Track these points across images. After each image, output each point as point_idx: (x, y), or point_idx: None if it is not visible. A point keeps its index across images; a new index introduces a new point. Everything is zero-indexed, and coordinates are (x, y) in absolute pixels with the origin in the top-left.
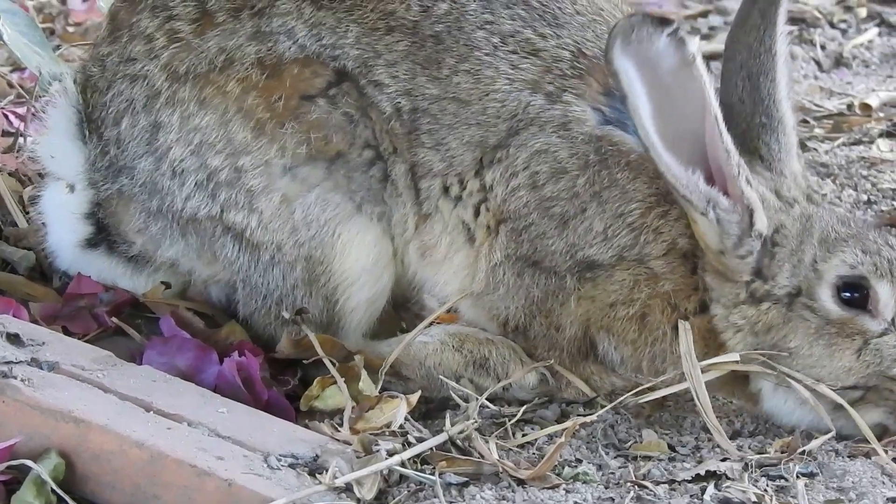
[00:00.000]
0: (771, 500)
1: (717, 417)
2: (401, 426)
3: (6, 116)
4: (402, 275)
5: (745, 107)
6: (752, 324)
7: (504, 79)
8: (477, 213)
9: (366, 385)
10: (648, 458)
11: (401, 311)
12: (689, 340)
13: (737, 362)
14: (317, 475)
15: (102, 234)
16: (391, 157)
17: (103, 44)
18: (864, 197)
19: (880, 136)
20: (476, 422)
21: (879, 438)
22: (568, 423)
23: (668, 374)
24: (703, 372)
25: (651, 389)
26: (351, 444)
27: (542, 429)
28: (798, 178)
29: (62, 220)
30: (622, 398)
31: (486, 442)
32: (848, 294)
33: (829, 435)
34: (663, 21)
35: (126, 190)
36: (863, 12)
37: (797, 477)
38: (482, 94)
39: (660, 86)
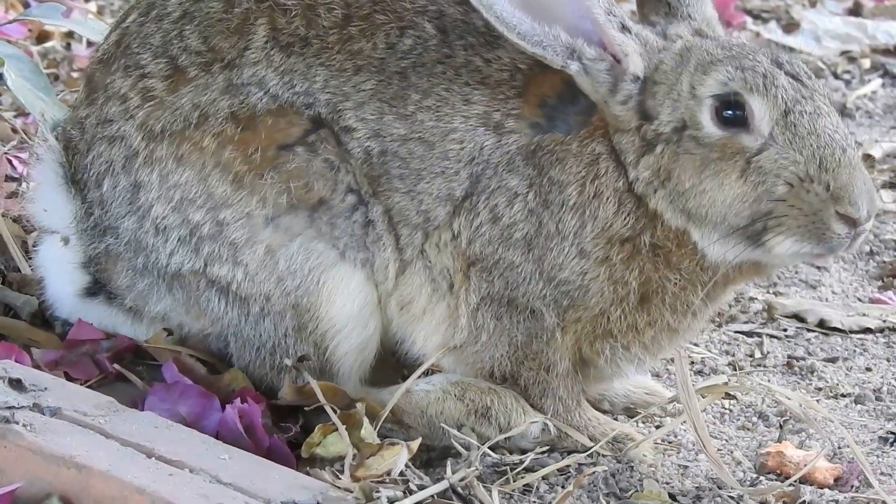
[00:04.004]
0: None
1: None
2: (401, 473)
3: (10, 162)
4: (387, 326)
5: None
6: (655, 173)
7: (460, 116)
8: (453, 261)
9: (367, 432)
10: None
11: (402, 359)
12: (686, 370)
13: (726, 384)
14: None
15: (100, 284)
16: (371, 201)
17: (81, 106)
18: (867, 248)
19: (883, 187)
20: (477, 469)
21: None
22: (562, 464)
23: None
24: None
25: (648, 421)
26: (352, 492)
27: (543, 478)
28: (711, 22)
29: (60, 272)
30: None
31: (488, 490)
32: (730, 112)
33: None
34: None
35: (112, 249)
36: (867, 63)
37: None
38: (443, 134)
39: None
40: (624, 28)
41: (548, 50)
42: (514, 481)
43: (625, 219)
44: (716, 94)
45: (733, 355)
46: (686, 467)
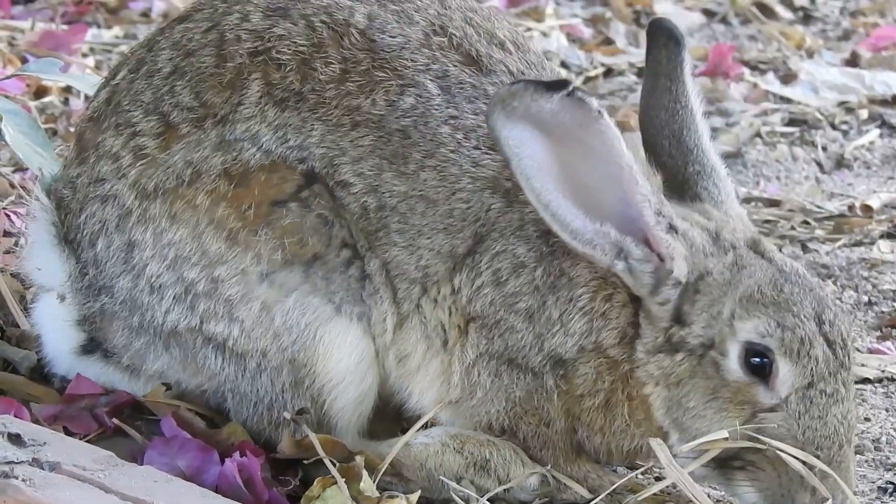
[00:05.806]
0: None
1: None
2: None
3: (8, 217)
4: (385, 379)
5: (674, 161)
6: (665, 375)
7: (467, 178)
8: (449, 316)
9: (366, 485)
10: None
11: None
12: (667, 453)
13: (726, 439)
14: None
15: (96, 342)
16: (367, 254)
17: (72, 165)
18: (865, 298)
19: (881, 237)
20: None
21: None
22: None
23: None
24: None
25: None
26: None
27: None
28: (743, 219)
29: (56, 329)
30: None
31: None
32: (757, 361)
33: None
34: (555, 85)
35: (108, 308)
36: (864, 114)
37: None
38: (449, 194)
39: (562, 144)
40: (671, 228)
41: (597, 250)
42: None
43: (625, 353)
44: (750, 341)
45: None
46: None
